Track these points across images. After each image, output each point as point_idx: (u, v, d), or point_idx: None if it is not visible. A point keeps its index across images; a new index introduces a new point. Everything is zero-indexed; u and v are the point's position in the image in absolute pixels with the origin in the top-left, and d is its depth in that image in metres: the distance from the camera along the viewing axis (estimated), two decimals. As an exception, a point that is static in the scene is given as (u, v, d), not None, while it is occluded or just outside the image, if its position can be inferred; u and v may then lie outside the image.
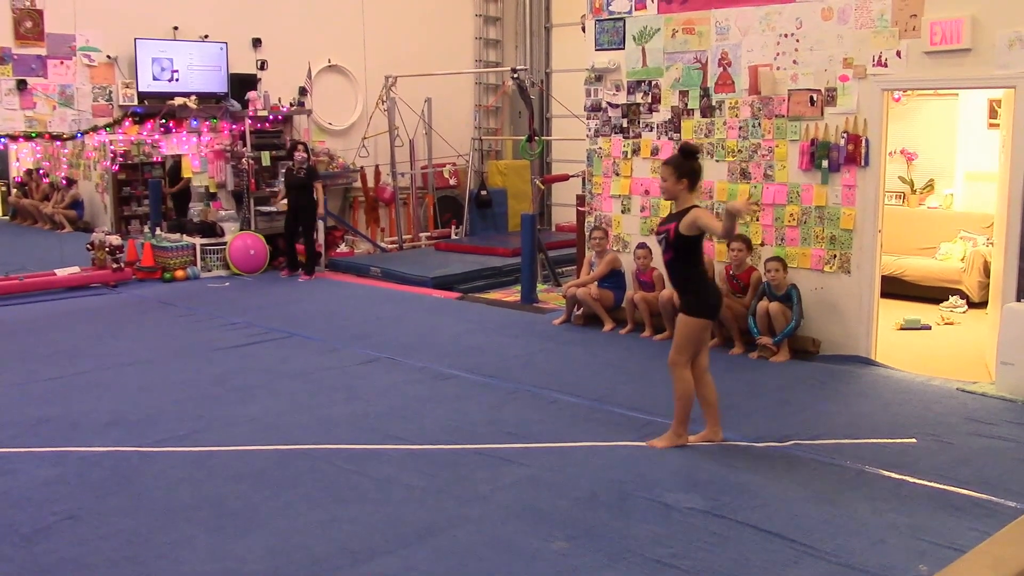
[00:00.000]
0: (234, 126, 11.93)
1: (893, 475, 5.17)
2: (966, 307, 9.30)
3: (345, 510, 4.73)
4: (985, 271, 9.19)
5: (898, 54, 7.25)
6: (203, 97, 11.67)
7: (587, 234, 9.22)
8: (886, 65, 7.32)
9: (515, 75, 12.06)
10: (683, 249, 5.46)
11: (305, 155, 11.42)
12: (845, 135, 7.55)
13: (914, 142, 10.67)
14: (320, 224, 12.34)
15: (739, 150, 8.15)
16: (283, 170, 11.85)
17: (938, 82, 7.59)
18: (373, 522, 4.59)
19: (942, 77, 7.23)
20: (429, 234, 14.02)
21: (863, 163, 7.48)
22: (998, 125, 9.23)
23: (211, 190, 12.08)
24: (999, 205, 7.46)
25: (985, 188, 9.70)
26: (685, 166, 5.47)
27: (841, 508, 4.74)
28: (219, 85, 11.84)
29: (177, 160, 12.05)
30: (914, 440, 5.74)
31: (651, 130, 8.73)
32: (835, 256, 7.69)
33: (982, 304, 9.04)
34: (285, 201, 11.49)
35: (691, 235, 5.40)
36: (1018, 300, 6.75)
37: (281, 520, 4.62)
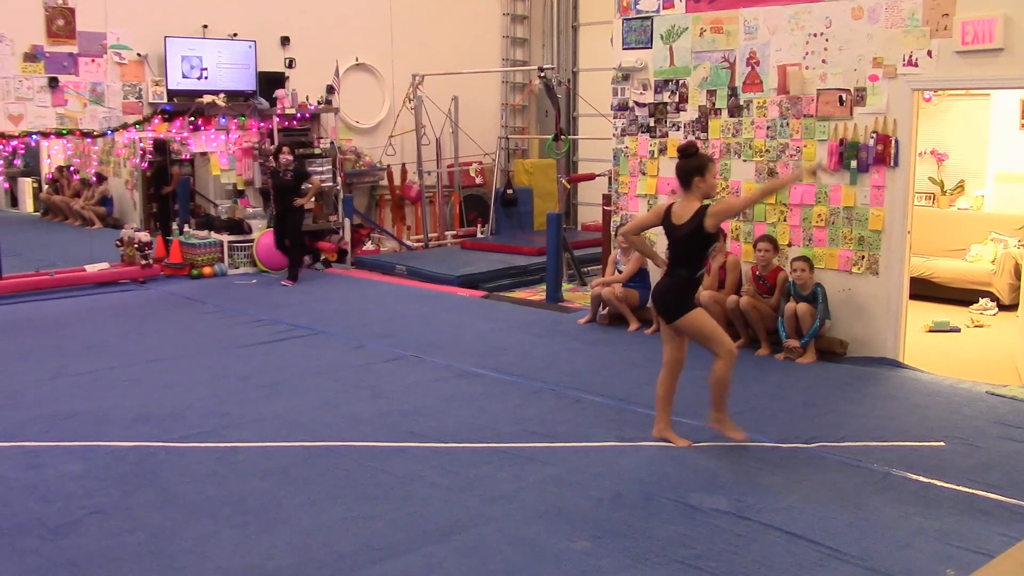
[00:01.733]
0: (262, 124, 11.99)
1: (921, 478, 5.12)
2: (996, 309, 9.21)
3: (369, 507, 4.74)
4: (1016, 273, 9.09)
5: (929, 54, 7.17)
6: (231, 95, 11.74)
7: (613, 233, 9.19)
8: (917, 65, 7.25)
9: (542, 74, 12.04)
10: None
11: (291, 157, 10.98)
12: (874, 135, 7.48)
13: (944, 143, 10.56)
14: (347, 221, 12.39)
15: (767, 150, 8.10)
16: (266, 174, 11.62)
17: (969, 82, 7.51)
18: (396, 520, 4.59)
19: (974, 77, 7.15)
20: (455, 232, 14.03)
21: (892, 163, 7.41)
22: (1030, 126, 9.12)
23: (239, 187, 12.15)
24: (1030, 206, 7.37)
25: (1017, 189, 9.59)
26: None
27: (867, 511, 4.69)
28: (247, 83, 11.91)
29: (162, 162, 12.02)
30: (942, 443, 5.68)
31: (678, 129, 8.69)
32: (863, 257, 7.62)
33: (1012, 307, 8.94)
34: (315, 199, 11.49)
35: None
36: (1050, 303, 6.67)
37: (305, 517, 4.64)
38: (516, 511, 4.69)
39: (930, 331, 8.53)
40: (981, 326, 8.79)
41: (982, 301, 9.29)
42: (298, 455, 5.48)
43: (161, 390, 6.77)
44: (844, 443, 5.68)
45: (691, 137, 8.51)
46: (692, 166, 5.49)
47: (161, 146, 11.82)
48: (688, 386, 6.39)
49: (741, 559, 4.17)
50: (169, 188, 12.11)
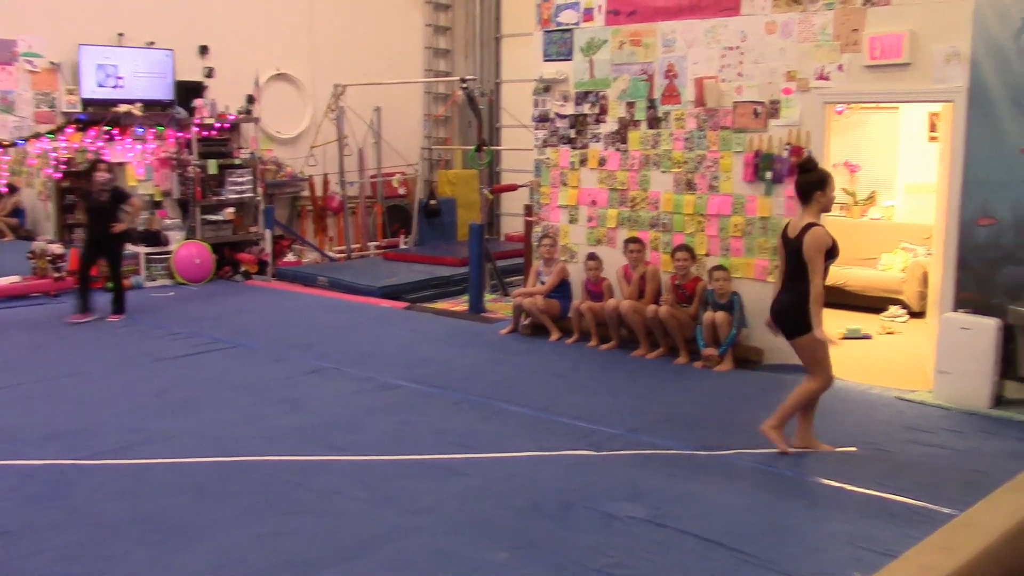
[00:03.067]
0: (180, 134, 11.79)
1: (832, 483, 5.24)
2: (906, 316, 9.47)
3: (287, 523, 4.68)
4: (924, 281, 9.36)
5: (840, 68, 7.37)
6: (149, 104, 11.53)
7: (535, 243, 9.24)
8: (828, 78, 7.44)
9: (464, 85, 12.06)
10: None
11: (109, 175, 9.54)
12: (788, 147, 7.65)
13: (857, 154, 10.84)
14: (267, 233, 12.24)
15: (685, 161, 8.23)
16: (73, 196, 10.64)
17: (878, 95, 7.72)
18: (315, 535, 4.55)
19: (882, 90, 7.37)
20: (377, 243, 13.97)
21: (805, 175, 7.57)
22: (937, 138, 9.41)
23: (156, 198, 11.92)
24: (937, 217, 7.60)
25: (925, 200, 9.88)
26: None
27: (781, 516, 4.79)
28: (165, 92, 11.70)
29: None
30: (854, 448, 5.82)
31: (598, 141, 8.78)
32: (778, 266, 7.76)
33: (921, 314, 9.20)
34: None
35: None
36: (955, 310, 6.89)
37: (221, 534, 4.56)
38: (436, 523, 4.68)
39: (843, 338, 8.72)
40: (892, 333, 9.03)
41: (893, 308, 9.56)
42: (214, 471, 5.39)
43: (73, 406, 6.60)
44: (759, 449, 5.78)
45: (613, 148, 8.61)
46: (812, 180, 5.54)
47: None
48: (611, 394, 6.48)
49: (657, 566, 4.22)
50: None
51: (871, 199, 10.82)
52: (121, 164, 11.60)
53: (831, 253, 5.48)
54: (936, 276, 7.40)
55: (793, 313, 5.56)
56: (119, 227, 9.37)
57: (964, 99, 6.81)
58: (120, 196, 9.48)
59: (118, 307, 9.58)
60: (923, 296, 9.32)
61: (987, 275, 6.83)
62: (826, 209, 5.62)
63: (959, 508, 4.52)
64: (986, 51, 6.68)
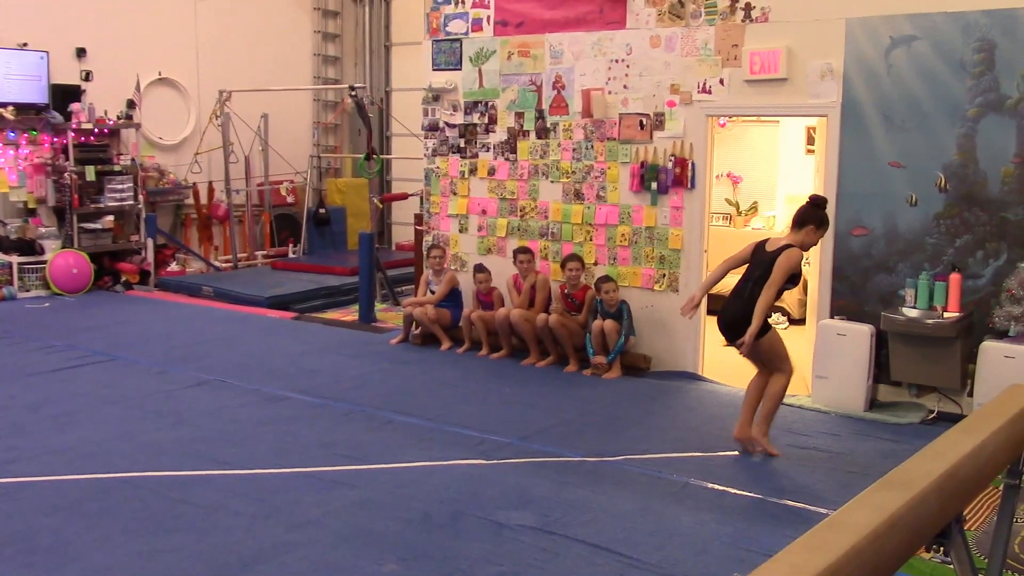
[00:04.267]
0: (56, 139, 11.36)
1: (716, 487, 5.37)
2: (787, 323, 9.77)
3: (167, 540, 4.54)
4: (804, 289, 9.66)
5: (721, 82, 7.57)
6: (21, 108, 11.08)
7: (425, 253, 9.22)
8: (710, 92, 7.63)
9: (353, 92, 11.96)
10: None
11: None
12: (672, 158, 7.82)
13: (739, 166, 11.15)
14: (149, 241, 11.90)
15: (573, 171, 8.33)
16: None
17: (758, 109, 7.96)
18: (197, 552, 4.43)
19: (762, 104, 7.60)
20: (265, 252, 13.71)
21: (690, 185, 7.77)
22: (814, 151, 9.74)
23: (30, 206, 11.46)
24: (814, 227, 7.85)
25: (803, 210, 10.21)
26: (813, 214, 5.82)
27: (667, 520, 4.88)
28: (39, 96, 11.26)
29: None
30: (736, 452, 5.97)
31: (488, 150, 8.81)
32: (664, 275, 7.94)
33: (801, 320, 9.50)
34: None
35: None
36: (832, 317, 7.14)
37: (97, 553, 4.40)
38: (323, 536, 4.61)
39: (726, 345, 8.92)
40: (773, 339, 9.28)
41: (775, 316, 9.81)
42: (91, 488, 5.20)
43: (-62, 424, 6.29)
44: (647, 455, 5.88)
45: (502, 158, 8.65)
46: (814, 215, 5.80)
47: None
48: (501, 402, 6.48)
49: (546, 573, 4.24)
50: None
51: (753, 209, 11.14)
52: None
53: (794, 279, 5.80)
54: (814, 284, 7.66)
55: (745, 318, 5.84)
56: None
57: (838, 114, 7.07)
58: None
59: None
60: (803, 303, 9.62)
61: (861, 283, 7.11)
62: (805, 247, 5.90)
63: (835, 509, 4.68)
64: (858, 68, 6.96)
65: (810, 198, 5.95)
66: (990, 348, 6.35)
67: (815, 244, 6.13)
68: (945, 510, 2.51)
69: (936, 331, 6.53)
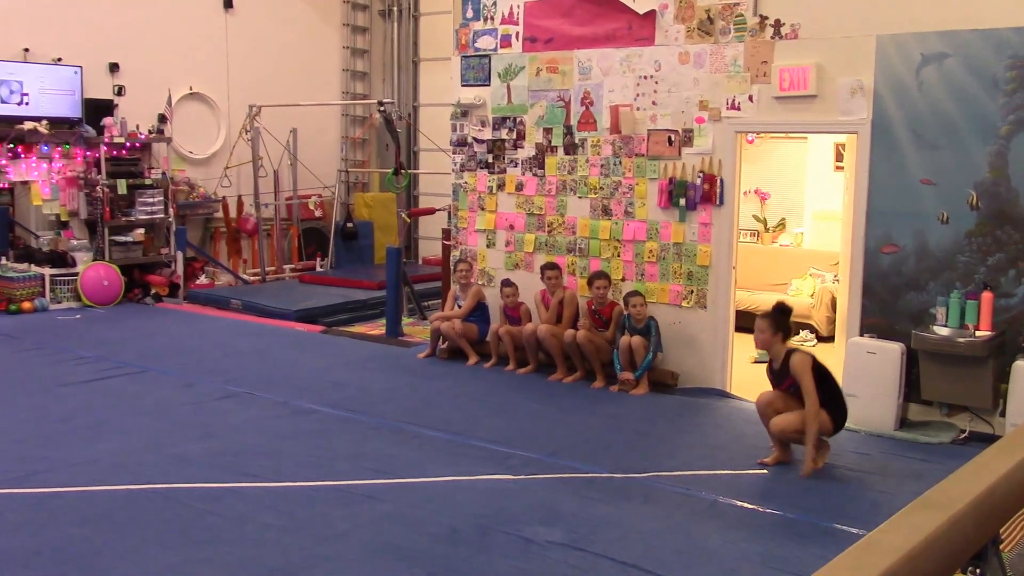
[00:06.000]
0: (88, 153, 11.50)
1: (746, 505, 5.33)
2: (815, 341, 9.70)
3: (197, 552, 4.57)
4: (832, 306, 9.61)
5: (750, 98, 7.56)
6: (55, 122, 11.23)
7: (452, 267, 9.25)
8: (739, 108, 7.62)
9: (382, 108, 12.04)
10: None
11: None
12: (701, 175, 7.81)
13: (767, 182, 11.12)
14: (179, 254, 12.01)
15: (601, 187, 8.33)
16: None
17: (787, 126, 7.95)
18: (226, 564, 4.45)
19: (791, 121, 7.58)
20: (293, 266, 13.79)
21: (718, 202, 7.75)
22: (843, 167, 9.70)
23: (62, 219, 11.60)
24: (843, 244, 7.83)
25: (832, 227, 10.17)
26: (782, 321, 6.00)
27: (696, 538, 4.85)
28: (72, 110, 11.41)
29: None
30: (765, 471, 5.93)
31: (516, 166, 8.84)
32: (692, 291, 7.92)
33: (830, 338, 9.44)
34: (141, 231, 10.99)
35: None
36: (861, 335, 7.08)
37: (127, 564, 4.43)
38: (350, 550, 4.62)
39: (755, 362, 8.90)
40: (801, 357, 9.22)
41: (802, 333, 9.78)
42: (121, 499, 5.24)
43: (-29, 433, 6.36)
44: (675, 472, 5.85)
45: (530, 173, 8.67)
46: (775, 318, 6.02)
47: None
48: (529, 418, 6.48)
49: (575, 590, 4.23)
50: None
51: (781, 226, 11.09)
52: (26, 183, 11.28)
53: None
54: (843, 301, 7.61)
55: None
56: None
57: (868, 131, 7.04)
58: None
59: None
60: (831, 321, 9.57)
61: (891, 301, 7.06)
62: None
63: (866, 528, 4.64)
64: (888, 85, 6.93)
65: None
66: (1023, 367, 6.29)
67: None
68: (981, 531, 2.48)
69: (968, 350, 6.47)
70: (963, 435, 6.69)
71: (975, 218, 6.70)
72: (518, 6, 8.70)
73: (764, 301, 10.11)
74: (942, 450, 6.43)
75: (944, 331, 6.63)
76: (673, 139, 7.93)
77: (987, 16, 6.56)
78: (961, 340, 6.50)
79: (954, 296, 6.68)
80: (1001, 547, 2.83)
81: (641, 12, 7.98)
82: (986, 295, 6.59)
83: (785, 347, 5.97)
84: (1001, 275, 6.64)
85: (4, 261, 11.06)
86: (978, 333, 6.53)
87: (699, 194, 7.81)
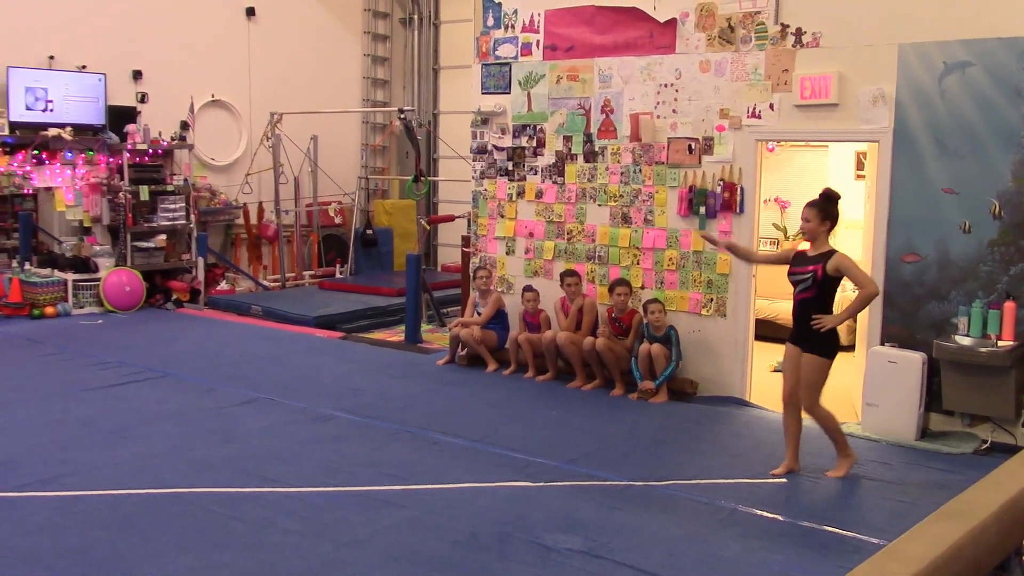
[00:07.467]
0: (111, 159, 11.60)
1: (766, 514, 5.31)
2: (835, 350, 9.63)
3: (218, 556, 4.59)
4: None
5: (771, 106, 7.54)
6: (79, 129, 11.32)
7: (472, 274, 9.26)
8: (760, 116, 7.61)
9: (402, 115, 12.09)
10: (826, 290, 5.87)
11: None
12: (721, 183, 7.80)
13: (787, 191, 11.08)
14: (200, 260, 12.08)
15: (621, 195, 8.33)
16: None
17: (808, 134, 7.92)
18: (247, 568, 4.47)
19: (812, 129, 7.56)
20: (313, 272, 13.85)
21: (738, 210, 7.74)
22: (864, 176, 9.66)
23: (85, 224, 11.70)
24: (864, 253, 7.79)
25: (852, 236, 10.12)
26: (829, 209, 5.86)
27: (715, 547, 4.83)
28: (96, 117, 11.52)
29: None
30: (785, 480, 5.91)
31: (536, 173, 8.85)
32: (712, 300, 7.90)
33: (850, 347, 9.38)
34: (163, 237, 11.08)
35: (835, 277, 5.80)
36: (882, 344, 7.05)
37: (149, 568, 4.46)
38: (370, 556, 4.63)
39: (774, 371, 8.86)
40: (821, 366, 9.17)
41: (824, 341, 9.70)
42: (143, 503, 5.28)
43: (-5, 437, 6.42)
44: (694, 480, 5.84)
45: (550, 181, 8.69)
46: (822, 205, 5.87)
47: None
48: (548, 425, 6.47)
49: (594, 598, 4.23)
50: None
51: (801, 234, 11.03)
52: (50, 189, 11.38)
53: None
54: (864, 310, 7.56)
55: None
56: None
57: (890, 139, 7.01)
58: None
59: None
60: (851, 330, 9.51)
61: (912, 310, 7.02)
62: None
63: (887, 538, 4.62)
64: (910, 93, 6.90)
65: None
66: (1046, 378, 6.24)
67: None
68: (1005, 541, 2.47)
69: (990, 360, 6.43)
70: (985, 445, 6.65)
71: (997, 227, 6.66)
72: (539, 14, 8.72)
73: (784, 310, 10.08)
74: (963, 460, 6.39)
75: (966, 341, 6.60)
76: (693, 147, 7.92)
77: (1010, 24, 6.53)
78: (983, 350, 6.46)
79: (976, 305, 6.65)
80: (1024, 558, 2.81)
81: (662, 20, 7.99)
82: (1008, 305, 6.55)
83: (828, 241, 5.91)
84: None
85: (28, 266, 11.17)
86: (1000, 343, 6.49)
87: (719, 202, 7.80)
